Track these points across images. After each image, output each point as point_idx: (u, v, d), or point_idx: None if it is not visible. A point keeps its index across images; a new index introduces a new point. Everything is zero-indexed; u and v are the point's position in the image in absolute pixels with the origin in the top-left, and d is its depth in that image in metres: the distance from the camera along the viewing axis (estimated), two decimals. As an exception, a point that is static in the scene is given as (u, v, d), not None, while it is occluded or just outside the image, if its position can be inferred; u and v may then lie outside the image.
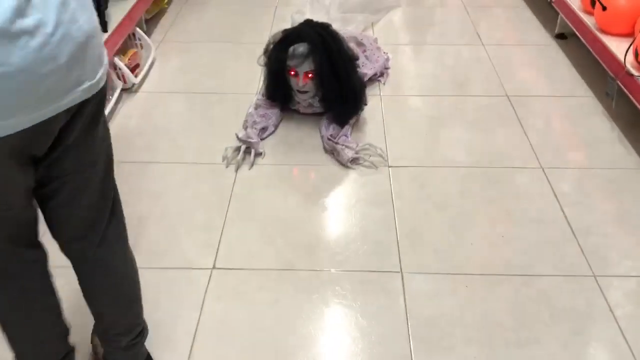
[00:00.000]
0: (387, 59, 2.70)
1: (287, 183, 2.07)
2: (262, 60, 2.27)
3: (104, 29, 2.50)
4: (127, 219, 1.79)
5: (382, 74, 2.60)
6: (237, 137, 2.11)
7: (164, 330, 1.54)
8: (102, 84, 1.02)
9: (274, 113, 2.27)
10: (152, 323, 1.55)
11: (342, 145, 2.08)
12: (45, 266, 1.19)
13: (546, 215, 1.92)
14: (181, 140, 2.29)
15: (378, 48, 2.68)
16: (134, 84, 2.59)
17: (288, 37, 2.12)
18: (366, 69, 2.48)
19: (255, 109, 2.28)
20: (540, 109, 2.49)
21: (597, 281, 1.68)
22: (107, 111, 2.35)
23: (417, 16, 3.35)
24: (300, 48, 2.09)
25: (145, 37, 2.82)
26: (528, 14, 3.36)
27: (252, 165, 2.09)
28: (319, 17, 2.84)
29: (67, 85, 0.93)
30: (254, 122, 2.20)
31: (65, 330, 1.28)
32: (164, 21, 3.27)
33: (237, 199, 1.98)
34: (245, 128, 2.18)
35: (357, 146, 2.11)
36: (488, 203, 1.98)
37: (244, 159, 2.09)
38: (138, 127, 2.37)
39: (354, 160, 2.08)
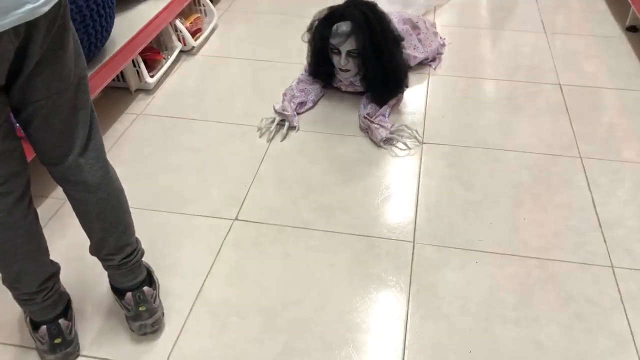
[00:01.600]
0: (443, 45, 2.68)
1: (319, 151, 2.13)
2: (306, 37, 2.31)
3: (169, -7, 2.65)
4: (165, 168, 1.94)
5: (434, 59, 2.58)
6: (274, 108, 2.19)
7: (181, 269, 1.66)
8: (46, 7, 0.99)
9: (314, 89, 2.32)
10: (170, 261, 1.68)
11: (377, 124, 2.10)
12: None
13: (575, 203, 1.88)
14: (228, 102, 2.40)
15: (435, 33, 2.66)
16: (193, 47, 2.73)
17: (332, 15, 2.15)
18: (418, 52, 2.48)
19: (297, 83, 2.34)
20: (592, 99, 2.41)
21: (614, 272, 1.64)
22: (163, 70, 2.51)
23: (482, 1, 3.29)
24: (344, 26, 2.11)
25: (210, 3, 2.95)
26: (601, 5, 3.21)
27: (284, 137, 2.14)
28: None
29: (3, 6, 0.92)
30: (293, 97, 2.26)
31: (47, 250, 1.32)
32: (232, -8, 3.40)
33: (269, 160, 2.07)
34: (283, 101, 2.24)
35: (392, 126, 2.13)
36: (516, 186, 1.95)
37: (277, 130, 2.15)
38: (190, 87, 2.51)
39: (388, 140, 2.10)
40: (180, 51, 2.71)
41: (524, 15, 3.14)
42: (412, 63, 2.45)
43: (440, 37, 2.70)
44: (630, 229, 1.78)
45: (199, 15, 2.87)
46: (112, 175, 1.32)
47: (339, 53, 2.15)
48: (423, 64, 2.55)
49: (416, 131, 2.14)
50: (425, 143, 2.15)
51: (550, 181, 1.97)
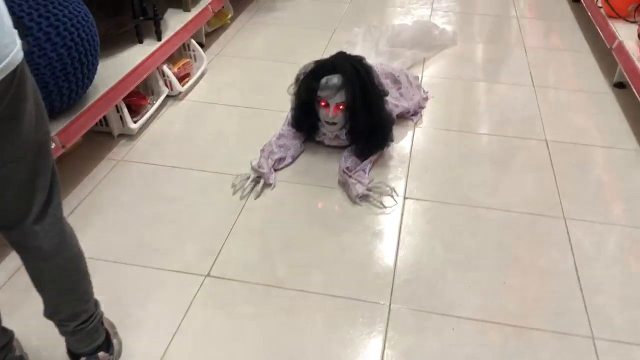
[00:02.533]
0: (425, 99, 2.67)
1: (298, 204, 2.09)
2: (292, 89, 2.29)
3: (158, 38, 2.66)
4: (140, 219, 1.89)
5: (415, 113, 2.56)
6: (251, 164, 2.16)
7: (147, 327, 1.60)
8: None
9: (294, 145, 2.29)
10: (137, 319, 1.62)
11: (355, 180, 2.07)
12: None
13: (556, 266, 1.84)
14: (210, 149, 2.37)
15: (418, 86, 2.65)
16: (180, 92, 2.72)
17: (322, 68, 2.14)
18: (399, 102, 2.46)
19: (278, 138, 2.30)
20: (578, 157, 2.39)
21: (594, 343, 1.59)
22: (147, 115, 2.49)
23: (471, 53, 3.31)
24: (334, 79, 2.10)
25: (199, 49, 2.96)
26: (590, 60, 3.23)
27: (258, 195, 2.09)
28: (368, 50, 2.89)
29: None
30: (271, 152, 2.22)
31: None
32: (224, 36, 3.42)
33: (247, 212, 2.03)
34: (261, 157, 2.20)
35: (369, 182, 2.09)
36: (498, 247, 1.91)
37: (252, 188, 2.11)
38: (174, 133, 2.49)
39: (363, 197, 2.06)
40: (167, 96, 2.70)
41: (513, 68, 3.15)
42: (395, 112, 2.44)
43: (424, 91, 2.69)
44: (611, 297, 1.73)
45: (188, 60, 2.87)
46: (70, 240, 1.27)
47: (328, 106, 2.13)
48: (404, 117, 2.54)
49: (393, 189, 2.10)
50: (407, 198, 2.12)
51: (533, 242, 1.93)
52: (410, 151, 2.39)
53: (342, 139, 2.27)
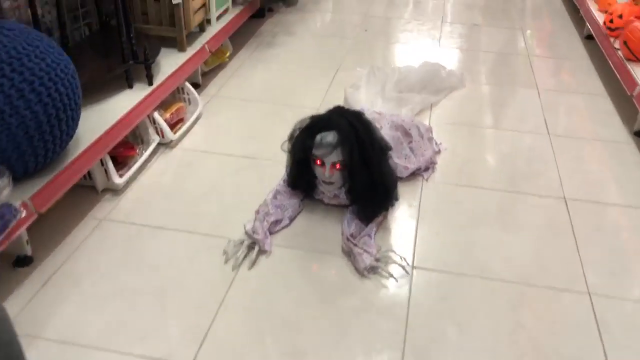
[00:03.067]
0: (438, 152, 2.49)
1: (295, 274, 1.90)
2: (287, 146, 2.11)
3: (149, 83, 2.50)
4: (120, 292, 1.70)
5: (427, 169, 2.38)
6: (244, 228, 1.97)
7: None
8: None
9: (291, 204, 2.10)
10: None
11: (361, 249, 1.88)
12: None
13: (583, 354, 1.64)
14: (201, 206, 2.19)
15: (430, 139, 2.47)
16: (171, 140, 2.55)
17: (317, 124, 1.97)
18: (409, 162, 2.28)
19: (274, 197, 2.12)
20: (601, 218, 2.20)
21: None
22: (135, 167, 2.32)
23: (480, 97, 3.14)
24: (329, 137, 1.92)
25: (194, 92, 2.79)
26: (607, 104, 3.06)
27: (253, 264, 1.90)
28: (374, 95, 2.72)
29: None
30: (267, 214, 2.03)
31: None
32: (222, 75, 3.26)
33: (239, 284, 1.84)
34: (255, 220, 2.01)
35: (377, 252, 1.90)
36: (516, 328, 1.72)
37: (245, 255, 1.91)
38: (164, 187, 2.31)
39: (372, 269, 1.86)
40: (158, 144, 2.53)
41: (525, 112, 2.98)
42: (404, 174, 2.26)
43: (436, 143, 2.51)
44: (648, 395, 1.54)
45: (182, 104, 2.71)
46: None
47: (324, 165, 1.96)
48: (415, 173, 2.35)
49: (404, 259, 1.91)
50: (416, 267, 1.93)
51: (556, 324, 1.74)
52: (418, 211, 2.20)
53: (342, 198, 2.09)
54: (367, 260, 1.85)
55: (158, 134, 2.52)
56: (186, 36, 2.87)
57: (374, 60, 3.54)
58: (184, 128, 2.65)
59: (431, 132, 2.50)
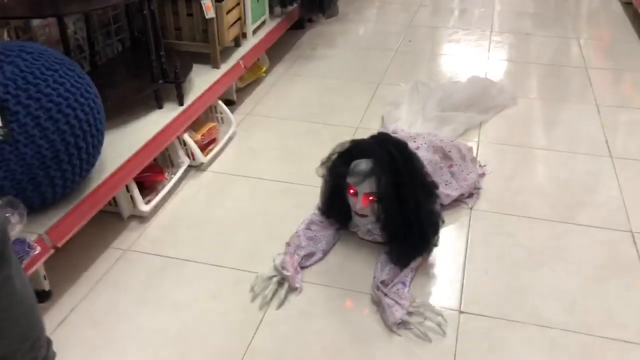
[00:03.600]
0: (482, 175, 2.27)
1: (328, 316, 1.73)
2: (322, 171, 1.95)
3: (180, 103, 2.39)
4: (139, 334, 1.59)
5: (470, 195, 2.17)
6: (274, 262, 1.82)
7: None
8: None
9: (325, 236, 1.93)
10: None
11: (392, 299, 1.68)
12: None
13: None
14: (229, 236, 2.05)
15: (473, 160, 2.26)
16: (202, 163, 2.43)
17: (353, 150, 1.81)
18: (450, 188, 2.08)
19: (307, 227, 1.96)
20: (675, 257, 1.95)
21: None
22: (163, 193, 2.20)
23: (533, 114, 2.90)
24: (363, 164, 1.75)
25: (227, 111, 2.67)
26: (678, 123, 2.78)
27: (282, 303, 1.74)
28: (414, 114, 2.53)
29: None
30: (298, 247, 1.87)
31: None
32: (258, 91, 3.13)
33: (266, 327, 1.69)
34: (286, 253, 1.86)
35: (411, 304, 1.68)
36: (580, 391, 1.50)
37: (274, 292, 1.76)
38: (191, 214, 2.18)
39: (403, 324, 1.65)
40: (189, 166, 2.41)
41: (584, 132, 2.72)
42: (445, 202, 2.06)
43: (480, 165, 2.30)
44: None
45: (215, 124, 2.58)
46: None
47: (357, 194, 1.79)
48: (457, 199, 2.15)
49: (442, 316, 1.67)
50: (463, 312, 1.73)
51: (626, 387, 1.51)
52: (466, 246, 2.00)
53: (376, 234, 1.90)
54: (397, 313, 1.64)
55: (188, 156, 2.40)
56: (220, 52, 2.75)
57: (418, 74, 3.35)
58: (216, 149, 2.52)
59: (472, 152, 2.30)
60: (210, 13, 2.58)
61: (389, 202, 1.72)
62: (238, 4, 2.83)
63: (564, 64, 3.48)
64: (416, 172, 1.75)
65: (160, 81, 2.32)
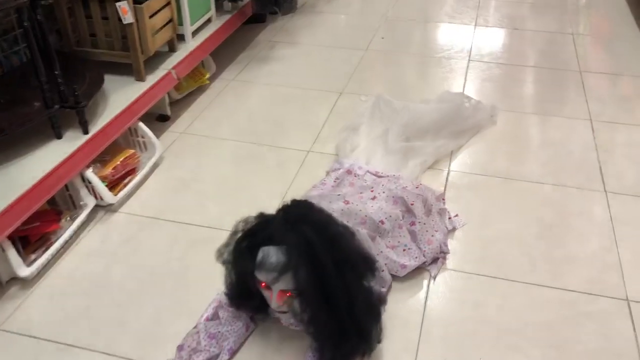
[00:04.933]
0: (452, 229, 1.85)
1: None
2: (222, 257, 1.46)
3: (84, 131, 1.97)
4: None
5: (435, 260, 1.76)
6: None
7: None
8: None
9: (234, 330, 1.50)
10: None
11: None
12: None
13: None
14: (129, 308, 1.65)
15: (441, 212, 1.85)
16: (112, 204, 2.01)
17: (261, 233, 1.35)
18: (409, 256, 1.67)
19: (213, 314, 1.53)
20: (682, 340, 1.56)
21: None
22: (55, 248, 1.79)
23: (517, 134, 2.48)
24: (273, 256, 1.30)
25: (151, 135, 2.23)
26: (683, 149, 2.37)
27: None
28: (374, 143, 2.11)
29: None
30: (194, 350, 1.44)
31: None
32: (199, 103, 2.70)
33: None
34: (177, 359, 1.43)
35: None
36: None
37: None
38: (89, 275, 1.77)
39: None
40: (96, 206, 1.99)
41: (574, 157, 2.31)
42: (401, 274, 1.66)
43: (450, 217, 1.89)
44: None
45: (133, 151, 2.16)
46: None
47: (269, 289, 1.35)
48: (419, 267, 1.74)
49: None
50: None
51: None
52: (422, 325, 1.60)
53: (301, 327, 1.46)
54: None
55: (95, 195, 1.98)
56: (147, 60, 2.32)
57: (386, 81, 2.92)
58: (133, 182, 2.10)
59: (442, 200, 1.88)
60: (128, 17, 2.14)
61: (311, 298, 1.29)
62: (168, 3, 2.38)
63: (555, 67, 3.05)
64: (344, 256, 1.32)
65: (56, 106, 1.90)
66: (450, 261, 1.80)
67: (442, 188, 2.09)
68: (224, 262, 1.44)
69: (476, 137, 2.38)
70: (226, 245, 1.42)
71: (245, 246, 1.34)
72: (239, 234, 1.39)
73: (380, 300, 1.45)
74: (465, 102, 2.37)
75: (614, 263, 1.80)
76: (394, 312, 1.61)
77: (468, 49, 3.24)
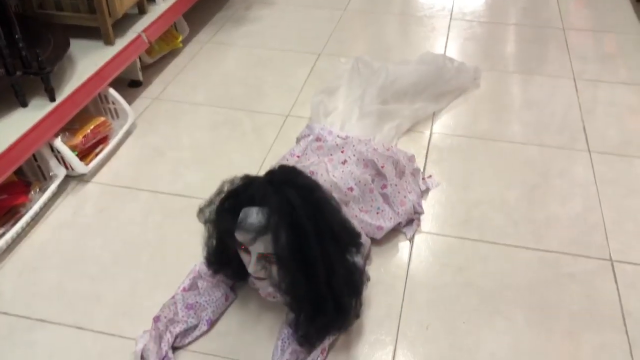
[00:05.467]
0: (426, 190, 1.82)
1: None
2: (203, 216, 1.41)
3: (51, 98, 1.87)
4: None
5: (410, 221, 1.73)
6: (136, 344, 1.34)
7: None
8: None
9: (212, 301, 1.46)
10: None
11: None
12: None
13: None
14: (103, 282, 1.60)
15: (415, 172, 1.80)
16: (83, 173, 1.94)
17: (241, 195, 1.29)
18: (383, 218, 1.62)
19: (191, 284, 1.49)
20: None
21: None
22: (26, 218, 1.73)
23: (500, 94, 2.43)
24: (254, 216, 1.24)
25: (122, 101, 2.14)
26: (668, 105, 2.34)
27: None
28: (350, 106, 2.04)
29: None
30: (171, 321, 1.40)
31: None
32: (172, 67, 2.60)
33: None
34: (152, 330, 1.37)
35: None
36: None
37: None
38: (60, 249, 1.71)
39: None
40: (67, 176, 1.92)
41: (558, 117, 2.27)
42: (377, 236, 1.62)
43: (424, 178, 1.85)
44: None
45: (103, 119, 2.07)
46: None
47: (249, 252, 1.31)
48: (395, 228, 1.70)
49: None
50: (392, 392, 1.33)
51: None
52: (404, 290, 1.57)
53: (279, 298, 1.42)
54: None
55: (65, 165, 1.90)
56: (116, 23, 2.21)
57: (366, 41, 2.84)
58: (105, 151, 2.03)
59: (414, 161, 1.83)
60: (92, -24, 2.03)
61: (290, 266, 1.25)
62: (135, -39, 2.26)
63: (538, 25, 2.98)
64: (327, 224, 1.26)
65: (19, 73, 1.80)
66: (433, 225, 1.77)
67: (424, 151, 2.05)
68: (205, 222, 1.38)
69: (458, 98, 2.33)
70: (209, 204, 1.36)
71: (228, 206, 1.29)
72: (221, 197, 1.33)
73: (363, 276, 1.41)
74: (447, 63, 2.30)
75: (598, 223, 1.78)
76: (376, 279, 1.58)
77: (450, 7, 3.15)
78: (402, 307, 1.52)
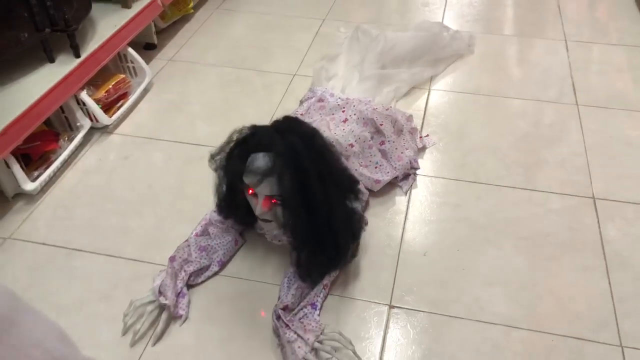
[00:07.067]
0: (422, 148, 1.95)
1: (221, 352, 1.48)
2: (214, 163, 1.51)
3: (76, 54, 2.02)
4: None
5: (406, 176, 1.85)
6: (153, 281, 1.49)
7: None
8: None
9: (223, 244, 1.59)
10: None
11: (295, 332, 1.35)
12: None
13: None
14: (132, 218, 1.76)
15: (412, 131, 1.93)
16: (107, 125, 2.09)
17: (250, 141, 1.41)
18: (381, 172, 1.76)
19: (203, 232, 1.61)
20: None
21: None
22: (55, 165, 1.88)
23: (494, 55, 2.57)
24: (261, 160, 1.36)
25: (140, 60, 2.29)
26: (652, 62, 2.48)
27: (158, 338, 1.40)
28: (350, 71, 2.19)
29: None
30: (185, 261, 1.52)
31: None
32: (184, 32, 2.74)
33: (151, 356, 1.43)
34: (168, 270, 1.49)
35: (316, 338, 1.35)
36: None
37: (152, 322, 1.43)
38: (90, 190, 1.87)
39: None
40: (92, 128, 2.07)
41: (549, 75, 2.42)
42: (375, 189, 1.77)
43: (421, 137, 1.99)
44: None
45: (123, 76, 2.22)
46: None
47: (256, 195, 1.42)
48: (391, 182, 1.84)
49: (353, 348, 1.36)
50: (393, 307, 1.50)
51: (574, 399, 1.31)
52: (404, 223, 1.73)
53: (285, 240, 1.57)
54: (300, 351, 1.33)
55: (90, 117, 2.06)
56: (132, -13, 2.35)
57: (366, 8, 2.97)
58: (126, 106, 2.18)
59: (412, 120, 1.97)
60: (111, -59, 2.16)
61: (294, 206, 1.37)
62: None
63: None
64: (328, 169, 1.40)
65: (47, 29, 1.94)
66: (432, 169, 1.92)
67: (422, 110, 2.20)
68: (216, 169, 1.52)
69: (455, 62, 2.47)
70: (219, 151, 1.50)
71: (237, 153, 1.43)
72: (228, 145, 1.47)
73: (362, 220, 1.56)
74: (442, 31, 2.44)
75: (583, 166, 1.93)
76: (378, 214, 1.74)
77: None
78: (402, 239, 1.68)
